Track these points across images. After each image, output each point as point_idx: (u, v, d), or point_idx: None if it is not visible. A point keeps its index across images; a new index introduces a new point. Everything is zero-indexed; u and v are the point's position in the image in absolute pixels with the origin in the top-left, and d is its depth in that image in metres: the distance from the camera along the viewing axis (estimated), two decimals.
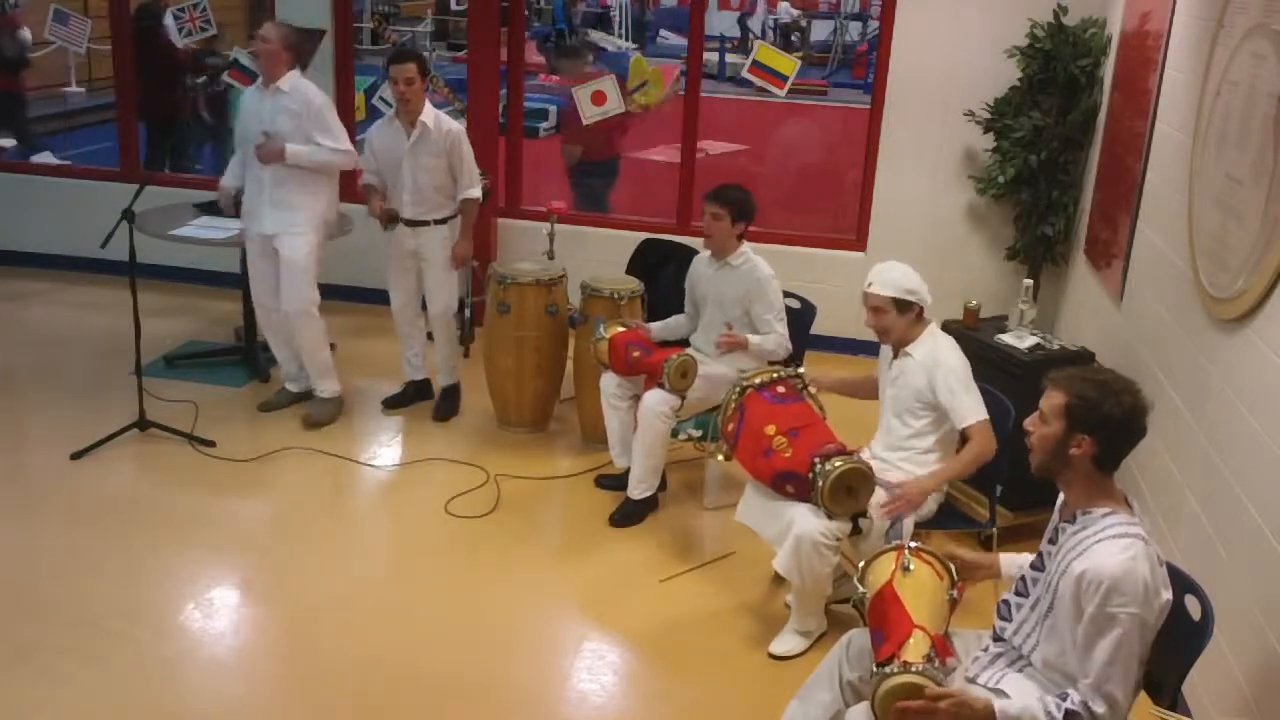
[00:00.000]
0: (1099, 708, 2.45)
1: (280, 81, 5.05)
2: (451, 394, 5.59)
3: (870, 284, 3.81)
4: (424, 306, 5.51)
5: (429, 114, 5.15)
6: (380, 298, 5.87)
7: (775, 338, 4.60)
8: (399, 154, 5.16)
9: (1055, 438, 2.58)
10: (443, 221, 5.29)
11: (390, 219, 5.23)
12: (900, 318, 3.80)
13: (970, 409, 3.73)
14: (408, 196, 5.21)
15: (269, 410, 5.48)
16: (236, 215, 5.37)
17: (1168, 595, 2.52)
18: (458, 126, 5.23)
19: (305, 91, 5.07)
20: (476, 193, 5.32)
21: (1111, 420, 2.53)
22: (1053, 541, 2.68)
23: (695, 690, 3.67)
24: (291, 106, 5.03)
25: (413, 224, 5.26)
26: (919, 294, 3.79)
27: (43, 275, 7.29)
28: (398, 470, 5.06)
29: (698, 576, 4.30)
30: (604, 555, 4.44)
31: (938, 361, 3.77)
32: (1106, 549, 2.48)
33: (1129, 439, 2.59)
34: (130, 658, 3.64)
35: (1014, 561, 2.90)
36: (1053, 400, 2.60)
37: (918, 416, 3.84)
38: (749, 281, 4.60)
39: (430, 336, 5.62)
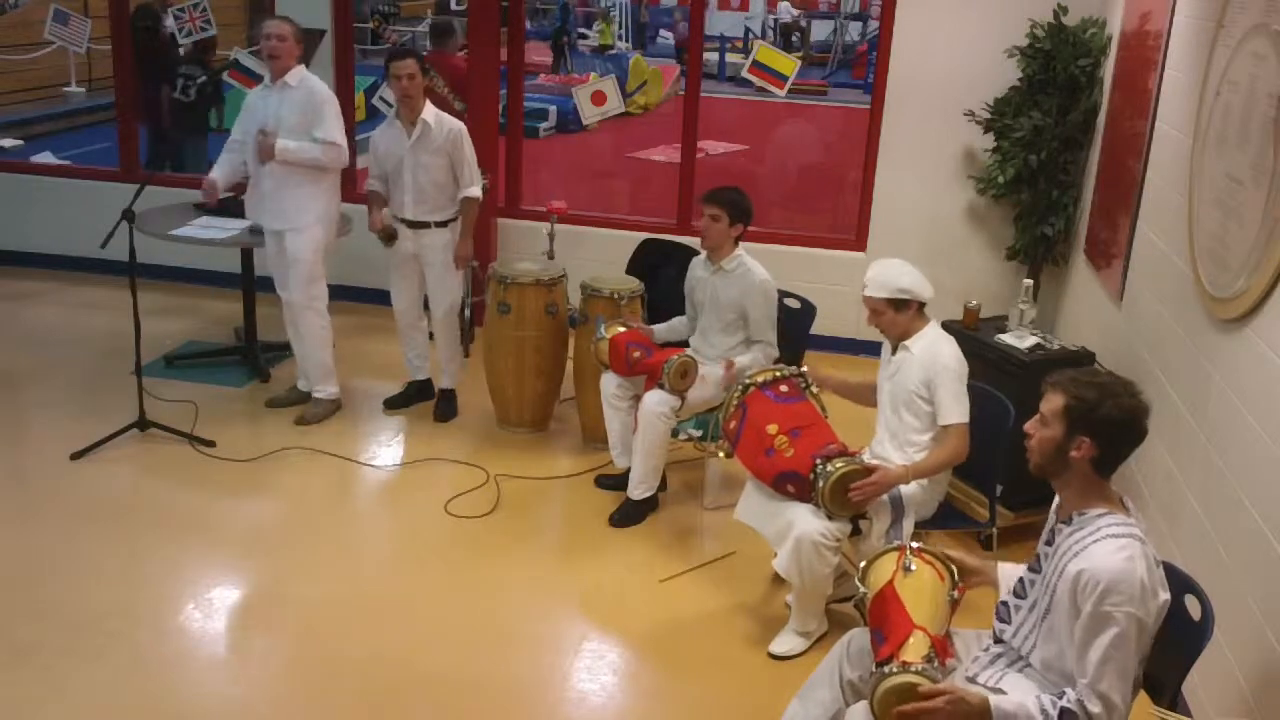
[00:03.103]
0: (1094, 707, 2.44)
1: (288, 76, 5.09)
2: (450, 397, 5.59)
3: (865, 288, 3.81)
4: (426, 307, 5.52)
5: (430, 112, 5.18)
6: (381, 298, 5.88)
7: (762, 351, 4.60)
8: (400, 154, 5.19)
9: (1055, 440, 2.58)
10: (443, 224, 5.30)
11: (389, 237, 5.28)
12: (899, 315, 3.80)
13: (953, 409, 3.72)
14: (409, 197, 5.22)
15: (276, 406, 5.50)
16: (218, 208, 5.62)
17: (1165, 595, 2.51)
18: (459, 125, 5.25)
19: (312, 85, 5.12)
20: (476, 191, 5.32)
21: (1110, 422, 2.53)
22: (1049, 543, 2.68)
23: (695, 690, 3.67)
24: (299, 100, 5.07)
25: (414, 226, 5.27)
26: (913, 291, 3.77)
27: (43, 275, 7.29)
28: (398, 470, 5.06)
29: (698, 576, 4.30)
30: (604, 555, 4.44)
31: (935, 358, 3.76)
32: (1103, 549, 2.48)
33: (1129, 441, 2.58)
34: (130, 658, 3.64)
35: (1012, 574, 2.85)
36: (1052, 403, 2.60)
37: (914, 411, 3.82)
38: (744, 286, 4.59)
39: (433, 337, 5.63)
